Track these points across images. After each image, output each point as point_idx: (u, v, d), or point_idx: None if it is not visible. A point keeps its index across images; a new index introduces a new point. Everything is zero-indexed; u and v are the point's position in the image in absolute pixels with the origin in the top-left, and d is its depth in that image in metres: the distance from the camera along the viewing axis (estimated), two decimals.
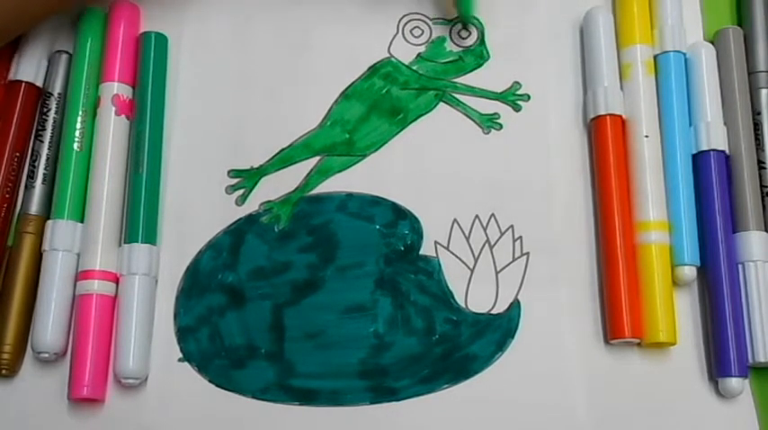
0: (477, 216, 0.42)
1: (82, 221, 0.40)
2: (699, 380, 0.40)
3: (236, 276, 0.41)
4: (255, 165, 0.43)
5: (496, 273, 0.41)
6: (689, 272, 0.40)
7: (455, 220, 0.42)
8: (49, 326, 0.38)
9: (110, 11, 0.44)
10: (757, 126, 0.42)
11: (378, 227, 0.42)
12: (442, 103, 0.44)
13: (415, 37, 0.45)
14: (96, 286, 0.39)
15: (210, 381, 0.39)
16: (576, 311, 0.40)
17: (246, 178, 0.42)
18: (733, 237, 0.40)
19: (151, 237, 0.41)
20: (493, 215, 0.42)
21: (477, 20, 0.46)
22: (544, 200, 0.42)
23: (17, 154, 0.42)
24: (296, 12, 0.46)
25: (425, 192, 0.42)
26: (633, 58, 0.43)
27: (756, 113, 0.42)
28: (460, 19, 0.45)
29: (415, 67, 0.45)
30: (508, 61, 0.45)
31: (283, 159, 0.43)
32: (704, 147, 0.41)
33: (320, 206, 0.42)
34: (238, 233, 0.42)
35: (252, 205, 0.42)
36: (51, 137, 0.42)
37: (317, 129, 0.43)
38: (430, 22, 0.46)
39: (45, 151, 0.42)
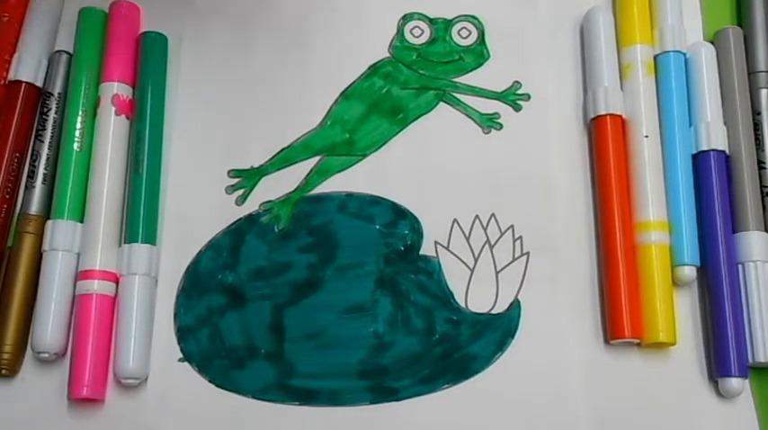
0: (477, 216, 0.42)
1: (82, 221, 0.40)
2: (699, 380, 0.40)
3: (237, 276, 0.41)
4: (255, 165, 0.43)
5: (496, 272, 0.41)
6: (689, 272, 0.40)
7: (455, 220, 0.42)
8: (49, 326, 0.38)
9: (110, 11, 0.44)
10: (757, 126, 0.42)
11: (378, 227, 0.42)
12: (442, 103, 0.44)
13: (415, 37, 0.45)
14: (96, 286, 0.39)
15: (210, 381, 0.39)
16: (576, 311, 0.40)
17: (246, 178, 0.42)
18: (733, 237, 0.40)
19: (151, 237, 0.41)
20: (493, 215, 0.42)
21: (477, 19, 0.46)
22: (544, 199, 0.42)
23: (17, 154, 0.42)
24: (296, 11, 0.46)
25: (425, 192, 0.42)
26: (633, 58, 0.43)
27: (756, 113, 0.42)
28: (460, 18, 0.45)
29: (415, 67, 0.45)
30: (508, 61, 0.45)
31: (283, 159, 0.43)
32: (704, 147, 0.41)
33: (320, 206, 0.42)
34: (238, 233, 0.42)
35: (252, 205, 0.42)
36: (51, 137, 0.42)
37: (317, 129, 0.43)
38: (430, 22, 0.46)
39: (45, 151, 0.42)
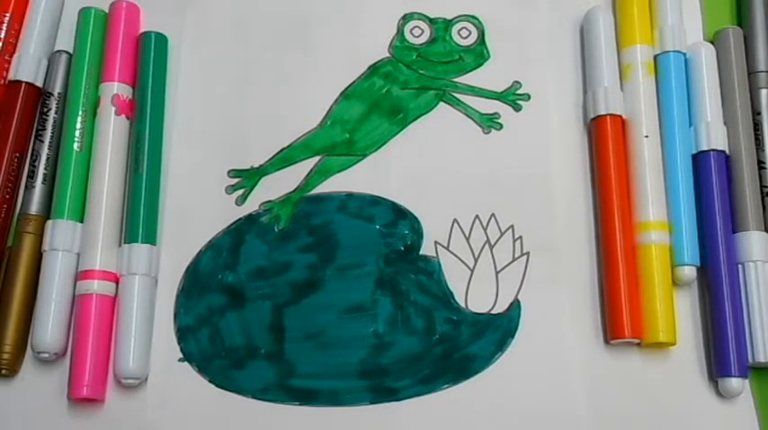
0: (477, 216, 0.42)
1: (82, 221, 0.40)
2: (699, 380, 0.40)
3: (236, 276, 0.41)
4: (255, 165, 0.43)
5: (496, 273, 0.41)
6: (689, 272, 0.40)
7: (455, 220, 0.42)
8: (49, 326, 0.38)
9: (110, 11, 0.44)
10: (757, 126, 0.42)
11: (378, 227, 0.42)
12: (442, 103, 0.44)
13: (415, 37, 0.45)
14: (96, 286, 0.39)
15: (210, 381, 0.39)
16: (576, 311, 0.40)
17: (246, 178, 0.42)
18: (733, 237, 0.40)
19: (151, 237, 0.41)
20: (493, 215, 0.42)
21: (477, 19, 0.46)
22: (544, 199, 0.42)
23: (17, 154, 0.42)
24: (296, 11, 0.46)
25: (425, 192, 0.42)
26: (633, 59, 0.43)
27: (756, 113, 0.42)
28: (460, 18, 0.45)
29: (415, 67, 0.45)
30: (508, 61, 0.45)
31: (283, 159, 0.43)
32: (704, 147, 0.41)
33: (320, 206, 0.42)
34: (238, 233, 0.42)
35: (252, 205, 0.42)
36: (51, 137, 0.42)
37: (317, 129, 0.43)
38: (430, 22, 0.46)
39: (45, 151, 0.42)
